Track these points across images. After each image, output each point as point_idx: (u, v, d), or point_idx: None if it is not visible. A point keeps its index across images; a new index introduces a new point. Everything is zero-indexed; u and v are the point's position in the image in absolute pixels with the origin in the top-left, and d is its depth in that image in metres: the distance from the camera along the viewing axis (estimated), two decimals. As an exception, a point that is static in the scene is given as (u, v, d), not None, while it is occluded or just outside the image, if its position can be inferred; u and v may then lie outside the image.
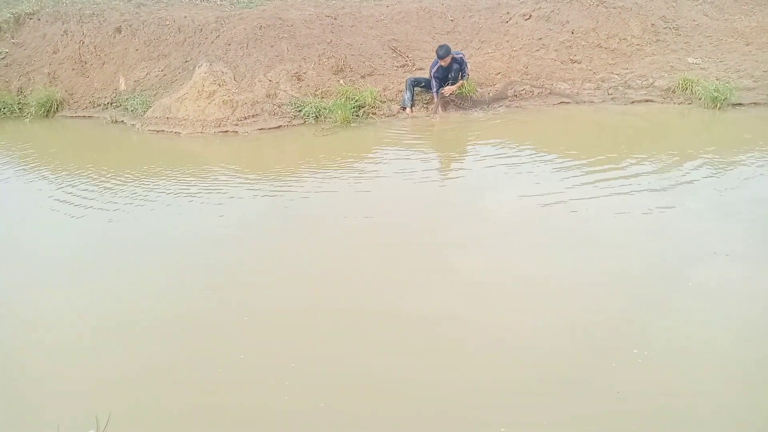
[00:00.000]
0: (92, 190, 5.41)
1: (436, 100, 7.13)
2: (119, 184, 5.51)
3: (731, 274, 3.46)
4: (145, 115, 7.52)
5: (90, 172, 5.94)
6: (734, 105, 6.73)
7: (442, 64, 6.93)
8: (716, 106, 6.63)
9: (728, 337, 2.93)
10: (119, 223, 4.68)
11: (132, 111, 7.86)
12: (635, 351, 2.81)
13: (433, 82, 7.11)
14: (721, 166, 5.10)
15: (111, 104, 8.31)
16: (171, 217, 4.80)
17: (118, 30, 9.02)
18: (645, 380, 2.64)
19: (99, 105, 8.41)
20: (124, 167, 6.02)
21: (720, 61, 7.51)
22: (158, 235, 4.45)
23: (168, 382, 2.83)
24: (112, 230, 4.59)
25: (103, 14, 9.31)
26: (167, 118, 7.25)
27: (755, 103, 6.75)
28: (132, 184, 5.50)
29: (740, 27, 8.15)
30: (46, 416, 2.67)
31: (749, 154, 5.35)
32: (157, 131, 7.20)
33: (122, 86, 8.44)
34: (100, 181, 5.62)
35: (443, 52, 6.84)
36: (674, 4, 8.39)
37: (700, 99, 6.77)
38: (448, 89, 7.05)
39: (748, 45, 7.79)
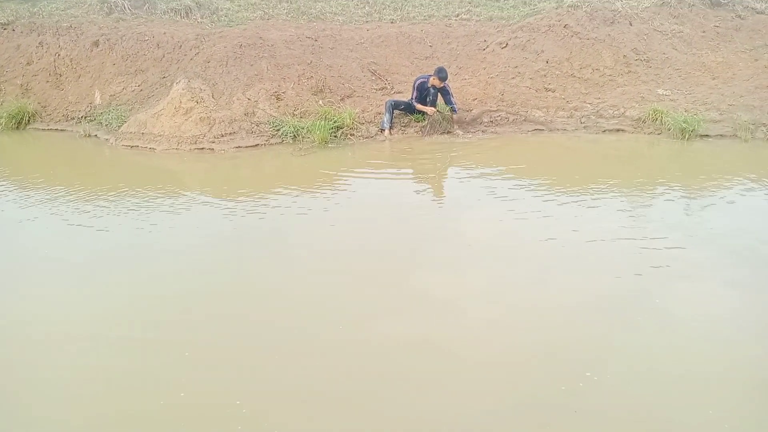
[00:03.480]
0: (59, 205, 5.29)
1: (417, 107, 7.26)
2: (88, 199, 5.41)
3: (694, 295, 3.55)
4: (120, 130, 7.43)
5: (59, 186, 5.82)
6: (702, 136, 6.93)
7: (434, 84, 7.03)
8: (684, 136, 6.83)
9: (690, 354, 2.98)
10: (84, 238, 4.59)
11: (106, 125, 7.78)
12: (605, 373, 2.83)
13: (414, 93, 7.21)
14: (687, 194, 5.24)
15: (85, 118, 8.21)
16: (139, 234, 4.71)
17: (96, 44, 8.95)
18: (614, 402, 2.66)
19: (73, 118, 8.31)
20: (94, 182, 5.93)
21: (688, 94, 7.76)
22: (125, 252, 4.36)
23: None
24: (76, 245, 4.49)
25: (81, 27, 9.25)
26: (142, 133, 7.17)
27: (721, 135, 6.97)
28: (100, 199, 5.41)
29: (707, 61, 8.46)
30: None
31: (714, 183, 5.51)
32: (131, 146, 7.12)
33: (97, 100, 8.35)
34: (69, 196, 5.51)
35: (444, 75, 6.99)
36: (645, 37, 8.68)
37: (669, 129, 6.96)
38: (431, 109, 7.15)
39: (714, 79, 8.08)
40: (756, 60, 8.38)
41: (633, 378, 2.83)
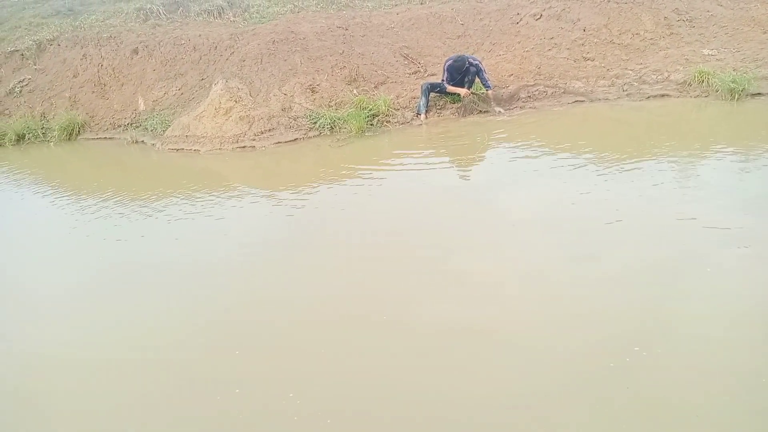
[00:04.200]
0: (112, 210, 5.55)
1: (448, 89, 7.15)
2: (139, 204, 5.65)
3: (751, 267, 3.43)
4: (165, 134, 7.69)
5: (110, 192, 6.10)
6: (753, 95, 6.61)
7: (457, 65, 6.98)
8: (734, 97, 6.53)
9: (741, 324, 2.91)
10: (138, 245, 4.83)
11: (152, 131, 8.05)
12: (654, 349, 2.79)
13: (445, 74, 7.12)
14: (743, 158, 5.03)
15: (131, 125, 8.53)
16: (192, 235, 4.90)
17: (135, 51, 9.24)
18: (661, 379, 2.62)
19: (119, 126, 8.64)
20: (144, 187, 6.19)
21: (736, 51, 7.40)
22: (179, 255, 4.57)
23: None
24: (130, 253, 4.73)
25: (120, 36, 9.56)
26: (186, 136, 7.40)
27: (775, 92, 6.64)
28: (150, 203, 5.64)
29: (756, 15, 8.01)
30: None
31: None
32: (177, 150, 7.36)
33: (141, 106, 8.64)
34: (122, 202, 5.78)
35: (460, 62, 6.94)
36: (687, -4, 8.30)
37: (717, 91, 6.67)
38: (464, 91, 7.07)
39: (765, 33, 7.66)
40: (810, 9, 7.89)
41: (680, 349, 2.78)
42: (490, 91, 7.16)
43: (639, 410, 2.50)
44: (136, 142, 8.10)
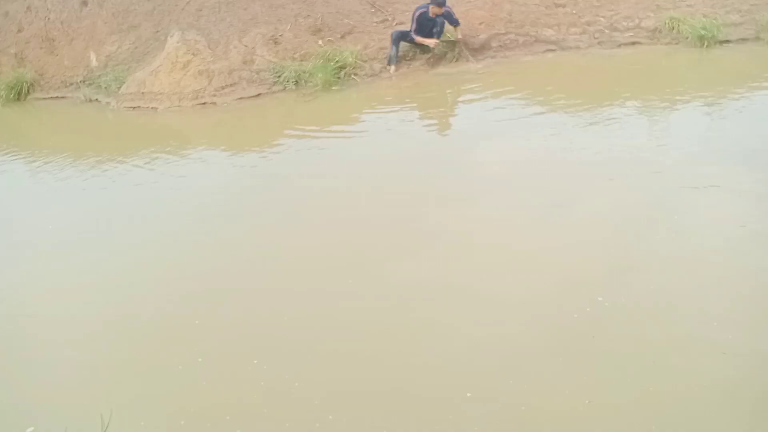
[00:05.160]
0: (69, 173, 5.27)
1: (417, 40, 6.86)
2: (97, 165, 5.37)
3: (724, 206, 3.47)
4: (120, 92, 7.28)
5: (66, 155, 5.79)
6: (722, 42, 6.56)
7: (435, 12, 6.64)
8: (703, 44, 6.47)
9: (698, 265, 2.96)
10: (100, 201, 4.60)
11: (106, 88, 7.61)
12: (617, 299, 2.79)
13: (414, 25, 6.83)
14: (707, 104, 5.02)
15: (84, 82, 8.03)
16: (152, 194, 4.68)
17: (84, 2, 8.65)
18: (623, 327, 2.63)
19: (71, 84, 8.14)
20: (101, 149, 5.88)
21: (707, -4, 7.30)
22: (139, 216, 4.36)
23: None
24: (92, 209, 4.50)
25: (66, -13, 8.90)
26: (142, 93, 7.02)
27: (743, 39, 6.59)
28: (108, 164, 5.37)
29: (727, -41, 7.90)
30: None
31: (736, 92, 5.26)
32: (134, 108, 6.99)
33: (94, 62, 8.15)
34: (76, 164, 5.48)
35: (441, 0, 6.57)
36: (658, -61, 8.09)
37: (687, 38, 6.60)
38: (433, 41, 6.80)
39: (735, -23, 7.56)
40: (780, -49, 7.79)
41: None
42: (460, 36, 6.91)
43: (604, 358, 2.51)
44: (90, 100, 7.66)
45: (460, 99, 6.05)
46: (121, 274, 3.61)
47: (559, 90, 5.82)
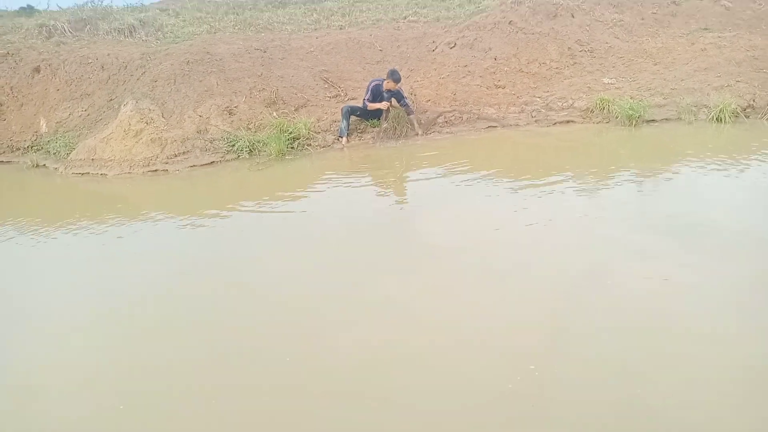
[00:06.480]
0: (13, 239, 5.13)
1: (369, 106, 7.23)
2: (40, 232, 5.25)
3: (650, 273, 3.69)
4: (69, 158, 7.22)
5: (8, 221, 5.64)
6: (648, 121, 7.17)
7: (388, 87, 7.04)
8: (632, 123, 7.05)
9: (632, 327, 3.10)
10: (40, 271, 4.47)
11: (54, 154, 7.56)
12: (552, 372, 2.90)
13: (367, 94, 7.20)
14: (637, 179, 5.42)
15: (32, 147, 7.97)
16: (96, 264, 4.60)
17: (37, 70, 8.68)
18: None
19: (18, 149, 8.06)
20: (46, 214, 5.77)
21: (632, 80, 8.02)
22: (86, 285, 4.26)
23: None
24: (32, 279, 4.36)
25: (19, 54, 8.96)
26: (92, 159, 6.99)
27: (666, 119, 7.22)
28: (53, 230, 5.26)
29: (648, 48, 8.76)
30: None
31: (664, 167, 5.71)
32: (82, 174, 6.93)
33: (43, 128, 8.11)
34: (22, 230, 5.35)
35: (397, 77, 6.98)
36: (588, 28, 8.93)
37: (616, 117, 7.18)
38: (384, 103, 7.15)
39: (656, 64, 8.36)
40: (693, 44, 8.71)
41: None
42: (410, 116, 7.31)
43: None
44: (37, 166, 7.55)
45: (408, 171, 6.30)
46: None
47: (500, 164, 6.17)
